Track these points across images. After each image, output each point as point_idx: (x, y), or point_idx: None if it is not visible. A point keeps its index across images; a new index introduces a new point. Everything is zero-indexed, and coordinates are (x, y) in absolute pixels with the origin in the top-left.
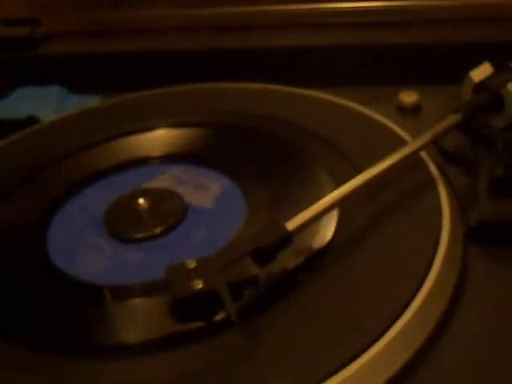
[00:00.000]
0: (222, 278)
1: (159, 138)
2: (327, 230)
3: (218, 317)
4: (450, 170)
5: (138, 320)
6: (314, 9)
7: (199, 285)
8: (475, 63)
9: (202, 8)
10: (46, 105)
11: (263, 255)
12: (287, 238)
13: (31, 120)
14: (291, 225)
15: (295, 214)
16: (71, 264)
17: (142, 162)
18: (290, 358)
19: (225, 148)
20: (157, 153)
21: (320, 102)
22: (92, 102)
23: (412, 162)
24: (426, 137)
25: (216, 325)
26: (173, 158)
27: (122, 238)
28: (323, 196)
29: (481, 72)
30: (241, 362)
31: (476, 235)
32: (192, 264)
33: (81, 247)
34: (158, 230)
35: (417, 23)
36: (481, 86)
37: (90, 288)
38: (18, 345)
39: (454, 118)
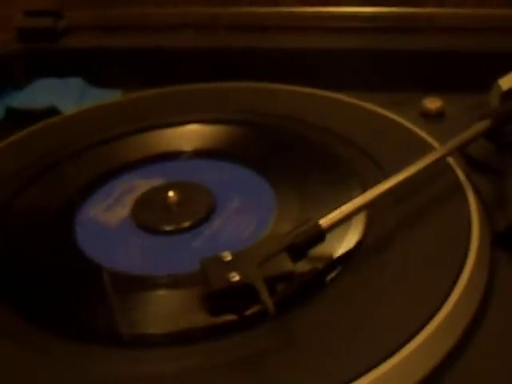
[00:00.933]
0: (258, 271)
1: (189, 133)
2: (356, 232)
3: (250, 311)
4: (476, 177)
5: (167, 311)
6: (338, 12)
7: (236, 277)
8: (500, 72)
9: (222, 7)
10: (66, 96)
11: (297, 251)
12: (320, 236)
13: (51, 111)
14: (324, 223)
15: (325, 213)
16: (98, 253)
17: (171, 155)
18: (321, 354)
19: (255, 146)
20: (187, 147)
21: (347, 105)
22: (111, 95)
23: (439, 168)
24: (454, 143)
25: (248, 318)
26: (203, 153)
27: (151, 230)
28: (351, 196)
29: (509, 80)
30: (273, 356)
31: (504, 241)
32: (228, 257)
33: (109, 237)
34: (186, 224)
35: (444, 30)
36: (509, 94)
37: (118, 277)
38: (45, 332)
39: (482, 125)
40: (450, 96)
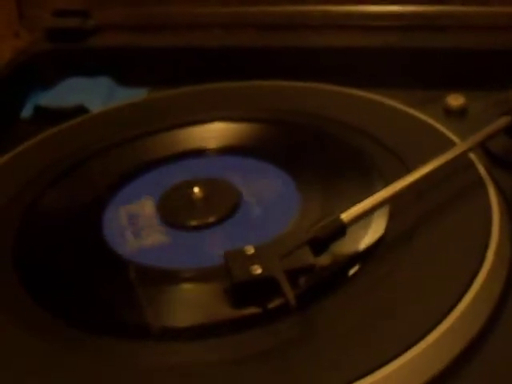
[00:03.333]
0: (279, 264)
1: (214, 131)
2: (378, 227)
3: (273, 304)
4: (497, 173)
5: (193, 305)
6: (364, 10)
7: (258, 270)
8: None
9: (249, 6)
10: (94, 95)
11: (319, 245)
12: (342, 230)
13: (80, 109)
14: (346, 217)
15: (348, 207)
16: (126, 248)
17: (196, 153)
18: (342, 347)
19: (279, 143)
20: (213, 145)
21: (371, 103)
22: (139, 94)
23: (460, 163)
24: (475, 138)
25: (271, 311)
26: (229, 150)
27: (176, 225)
28: (374, 192)
29: None
30: (294, 349)
31: None
32: (251, 250)
33: (136, 233)
34: (211, 219)
35: (467, 28)
36: None
37: (145, 271)
38: (71, 325)
39: (503, 121)
40: (474, 93)
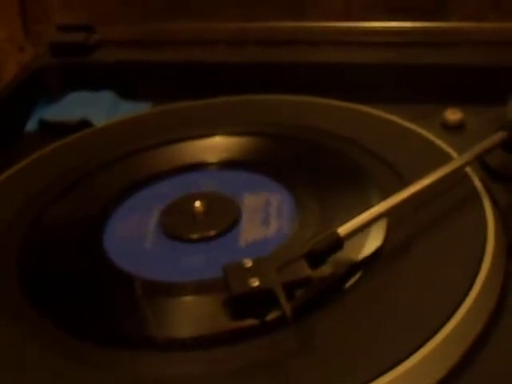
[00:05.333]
0: (276, 277)
1: (215, 145)
2: (376, 239)
3: (270, 316)
4: (493, 186)
5: (192, 317)
6: (362, 27)
7: (255, 282)
8: None
9: (251, 22)
10: (98, 109)
11: (316, 258)
12: (339, 243)
13: (84, 123)
14: (343, 230)
15: (345, 221)
16: (127, 262)
17: (197, 167)
18: (338, 359)
19: (278, 157)
20: (213, 159)
21: (368, 117)
22: (142, 108)
23: (457, 177)
24: (472, 153)
25: (268, 323)
26: (229, 164)
27: (177, 238)
28: (371, 206)
29: None
30: (292, 360)
31: None
32: (249, 263)
33: (137, 246)
34: (212, 232)
35: (463, 44)
36: None
37: (145, 284)
38: (74, 336)
39: (499, 136)
40: (471, 108)
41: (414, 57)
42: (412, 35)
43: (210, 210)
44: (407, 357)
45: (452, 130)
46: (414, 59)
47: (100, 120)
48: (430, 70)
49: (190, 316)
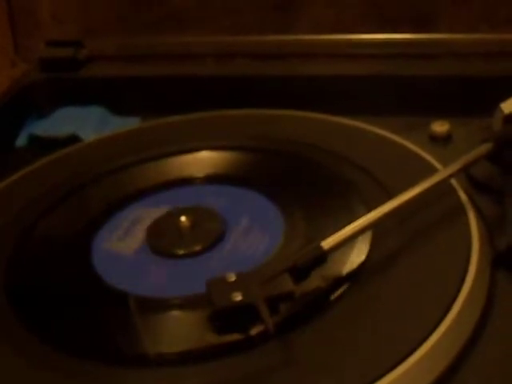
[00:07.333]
0: (259, 291)
1: (201, 160)
2: (361, 252)
3: (254, 330)
4: (479, 198)
5: (179, 332)
6: (349, 39)
7: (238, 297)
8: (508, 96)
9: (239, 35)
10: (87, 124)
11: (300, 272)
12: (322, 257)
13: (73, 138)
14: (326, 244)
15: (330, 234)
16: (114, 276)
17: (184, 181)
18: (322, 373)
19: (264, 171)
20: (199, 173)
21: (355, 130)
22: (132, 123)
23: (442, 189)
24: (457, 165)
25: (251, 338)
26: (216, 178)
27: (164, 254)
28: (357, 219)
29: (511, 104)
30: (275, 374)
31: (504, 261)
32: (232, 277)
33: (124, 262)
34: (198, 247)
35: (449, 56)
36: (510, 117)
37: (133, 299)
38: (61, 352)
39: (484, 148)
40: (458, 120)
41: (403, 69)
42: (401, 47)
43: (196, 225)
44: (392, 369)
45: (439, 142)
46: (403, 71)
47: (89, 135)
48: (419, 82)
49: (177, 331)
